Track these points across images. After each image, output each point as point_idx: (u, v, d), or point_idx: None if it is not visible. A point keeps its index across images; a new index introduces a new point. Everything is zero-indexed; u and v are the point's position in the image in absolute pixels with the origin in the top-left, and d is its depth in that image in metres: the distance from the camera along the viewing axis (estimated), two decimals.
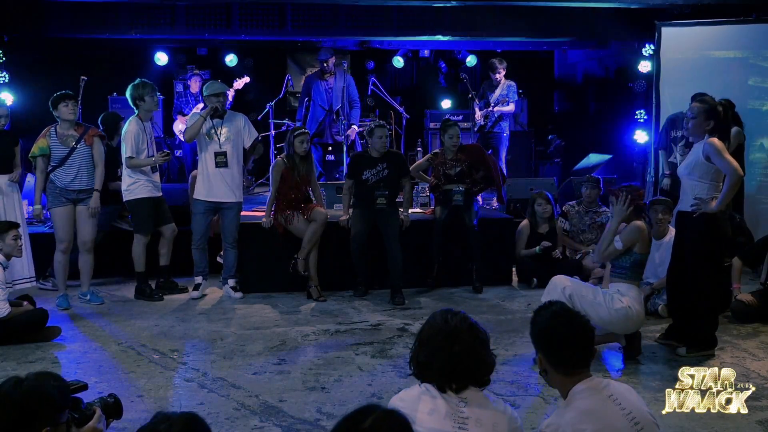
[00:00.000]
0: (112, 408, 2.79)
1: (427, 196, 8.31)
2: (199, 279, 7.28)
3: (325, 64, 9.84)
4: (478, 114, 9.85)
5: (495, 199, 8.28)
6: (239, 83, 10.54)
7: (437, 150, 7.88)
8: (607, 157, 10.40)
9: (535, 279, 7.65)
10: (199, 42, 11.62)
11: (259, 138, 7.45)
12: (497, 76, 9.80)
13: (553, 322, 2.72)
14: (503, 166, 10.05)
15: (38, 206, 6.92)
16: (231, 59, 11.99)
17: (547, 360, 2.72)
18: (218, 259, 7.65)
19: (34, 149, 6.74)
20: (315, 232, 7.15)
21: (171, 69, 11.91)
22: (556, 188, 8.78)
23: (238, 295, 7.27)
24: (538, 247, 7.71)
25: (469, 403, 2.57)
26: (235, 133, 7.17)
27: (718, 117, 5.28)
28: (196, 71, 10.63)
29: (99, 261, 7.18)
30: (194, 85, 10.49)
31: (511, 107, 9.89)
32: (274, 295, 7.33)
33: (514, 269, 7.99)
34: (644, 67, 10.06)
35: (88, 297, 6.98)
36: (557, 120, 13.23)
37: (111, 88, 10.75)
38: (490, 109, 9.80)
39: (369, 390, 4.80)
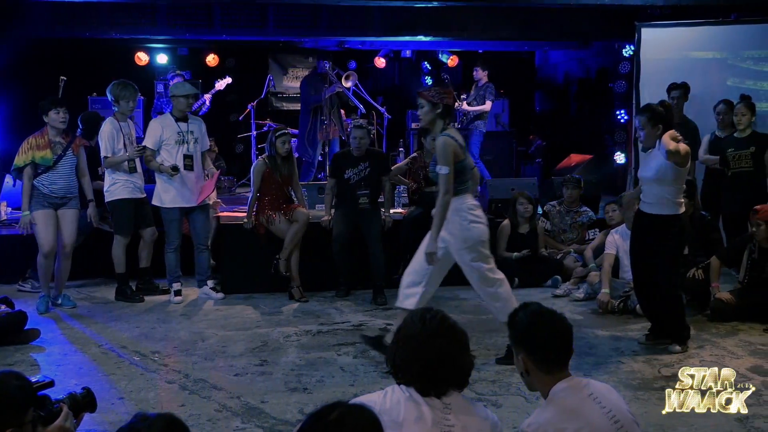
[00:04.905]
0: (84, 402, 2.70)
1: (407, 196, 8.32)
2: (177, 285, 7.20)
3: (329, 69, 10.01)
4: (464, 105, 10.29)
5: None
6: (221, 84, 10.50)
7: (415, 154, 7.92)
8: (588, 157, 10.45)
9: (516, 279, 7.66)
10: (180, 42, 11.56)
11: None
12: (475, 74, 10.37)
13: (535, 320, 2.72)
14: (480, 164, 10.22)
15: (27, 213, 6.65)
16: (212, 59, 11.95)
17: (530, 359, 2.72)
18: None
19: (34, 156, 6.53)
20: (297, 233, 7.14)
21: (152, 69, 11.85)
22: (537, 188, 8.81)
23: (220, 295, 7.24)
24: (515, 254, 7.72)
25: (454, 409, 2.55)
26: (199, 136, 7.16)
27: (663, 119, 5.42)
28: (178, 72, 10.58)
29: (79, 262, 7.13)
30: None
31: (483, 107, 10.17)
32: (256, 296, 7.31)
33: None
34: (624, 67, 10.12)
35: (59, 301, 6.90)
36: (538, 120, 13.29)
37: (91, 89, 10.67)
38: (464, 108, 10.12)
39: (351, 390, 4.79)
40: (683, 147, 5.26)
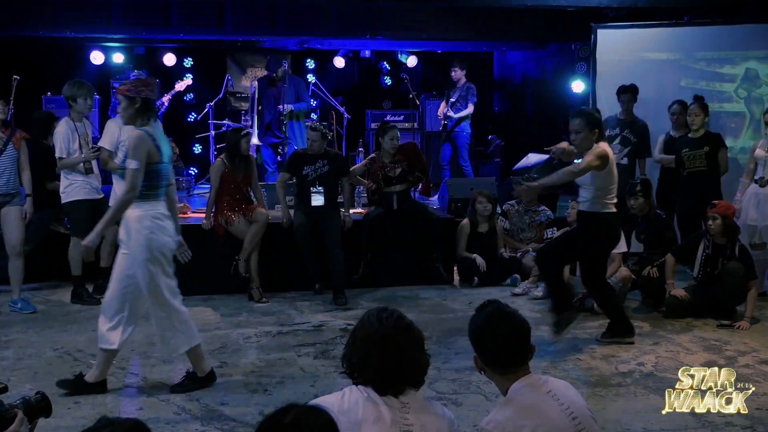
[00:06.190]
0: (39, 407, 2.63)
1: (367, 197, 8.33)
2: None
3: (275, 74, 9.92)
4: (441, 108, 10.51)
5: (421, 189, 8.42)
6: (181, 85, 10.39)
7: (373, 155, 7.93)
8: (546, 156, 10.54)
9: (476, 278, 7.73)
10: (136, 41, 11.41)
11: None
12: (454, 74, 10.49)
13: (486, 324, 2.74)
14: (467, 165, 10.34)
15: None
16: (169, 59, 11.82)
17: (482, 360, 2.76)
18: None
19: None
20: (256, 234, 7.10)
21: (108, 68, 11.68)
22: (495, 188, 8.88)
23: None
24: (474, 255, 7.77)
25: (412, 408, 2.56)
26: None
27: (599, 124, 5.58)
28: (141, 74, 10.41)
29: (35, 264, 7.00)
30: None
31: (467, 110, 10.41)
32: (215, 297, 7.25)
33: (455, 268, 8.05)
34: (581, 68, 10.24)
35: (19, 305, 6.74)
36: (497, 120, 13.37)
37: (45, 88, 10.49)
38: (446, 111, 10.24)
39: (312, 391, 4.78)
40: (592, 157, 5.40)
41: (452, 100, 10.42)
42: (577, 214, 5.99)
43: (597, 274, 5.86)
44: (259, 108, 10.00)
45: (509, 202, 8.46)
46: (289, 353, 5.61)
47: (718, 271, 6.49)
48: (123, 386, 4.96)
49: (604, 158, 5.43)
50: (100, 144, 6.96)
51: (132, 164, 4.52)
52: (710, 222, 6.44)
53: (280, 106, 9.71)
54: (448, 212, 8.58)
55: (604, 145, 5.52)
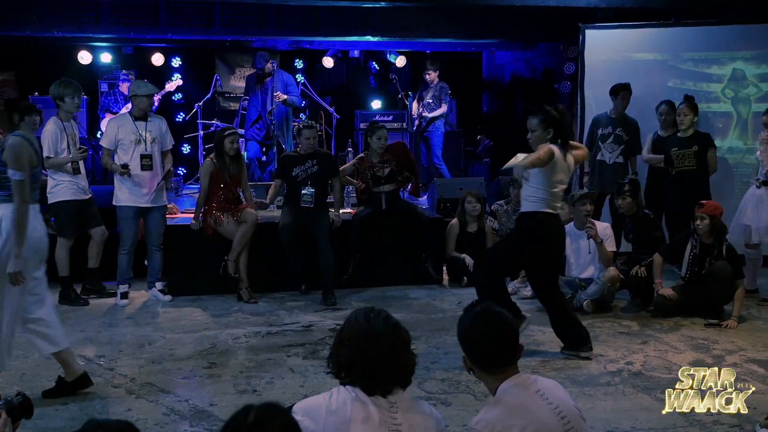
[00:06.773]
0: (20, 408, 2.63)
1: (356, 197, 8.34)
2: (125, 287, 7.08)
3: (261, 71, 9.92)
4: (414, 108, 10.51)
5: (411, 189, 8.42)
6: (171, 85, 10.36)
7: (362, 155, 7.94)
8: None
9: (465, 278, 7.74)
10: (124, 41, 11.37)
11: (172, 169, 7.40)
12: (428, 77, 10.46)
13: (474, 323, 2.75)
14: (442, 164, 10.35)
15: None
16: (157, 58, 11.78)
17: (470, 360, 2.76)
18: (146, 262, 7.51)
19: None
20: (245, 234, 7.09)
21: (96, 68, 11.63)
22: (484, 188, 8.90)
23: (167, 297, 7.15)
24: (463, 255, 7.79)
25: (400, 408, 2.57)
26: (159, 136, 7.07)
27: (556, 123, 5.36)
28: (132, 76, 10.37)
29: None
30: (124, 87, 10.23)
31: (441, 109, 10.39)
32: (204, 298, 7.24)
33: (444, 268, 8.07)
34: (569, 68, 10.27)
35: None
36: (486, 120, 13.40)
37: (32, 88, 10.44)
38: (421, 111, 10.22)
39: (301, 392, 4.78)
40: (542, 151, 5.21)
41: (428, 100, 10.42)
42: (518, 217, 5.70)
43: (547, 282, 5.52)
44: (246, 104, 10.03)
45: (498, 203, 8.47)
46: (278, 354, 5.60)
47: (706, 271, 6.52)
48: (111, 387, 4.94)
49: (550, 154, 5.21)
50: (100, 143, 6.97)
51: (16, 176, 4.38)
52: (698, 221, 6.47)
53: (271, 94, 9.70)
54: (437, 212, 8.60)
55: (553, 146, 5.28)
